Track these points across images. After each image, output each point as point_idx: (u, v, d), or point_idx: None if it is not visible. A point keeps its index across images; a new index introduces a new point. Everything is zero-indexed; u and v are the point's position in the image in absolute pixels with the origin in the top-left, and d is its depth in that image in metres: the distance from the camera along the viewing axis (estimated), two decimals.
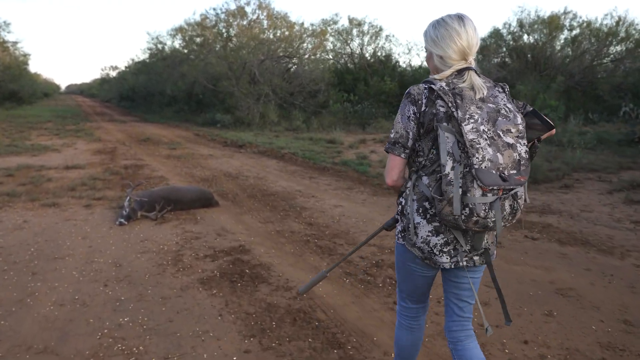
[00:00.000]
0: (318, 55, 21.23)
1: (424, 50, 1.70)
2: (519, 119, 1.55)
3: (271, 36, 20.26)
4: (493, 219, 1.49)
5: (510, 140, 1.50)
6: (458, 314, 1.78)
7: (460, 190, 1.47)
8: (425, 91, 1.57)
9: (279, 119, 17.79)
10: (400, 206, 1.72)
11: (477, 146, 1.46)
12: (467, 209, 1.47)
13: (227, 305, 2.96)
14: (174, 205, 5.10)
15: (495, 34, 20.90)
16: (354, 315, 2.86)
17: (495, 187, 1.46)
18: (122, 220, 4.61)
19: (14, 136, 12.90)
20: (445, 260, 1.63)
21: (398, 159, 1.66)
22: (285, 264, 3.71)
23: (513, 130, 1.52)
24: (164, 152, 10.59)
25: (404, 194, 1.70)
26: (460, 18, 1.61)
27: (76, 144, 11.60)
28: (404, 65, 23.42)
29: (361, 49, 23.50)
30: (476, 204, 1.46)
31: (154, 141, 12.88)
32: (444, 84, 1.55)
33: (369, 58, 22.93)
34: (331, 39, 22.46)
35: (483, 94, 1.54)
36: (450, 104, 1.49)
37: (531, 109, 1.66)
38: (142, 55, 33.28)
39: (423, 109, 1.58)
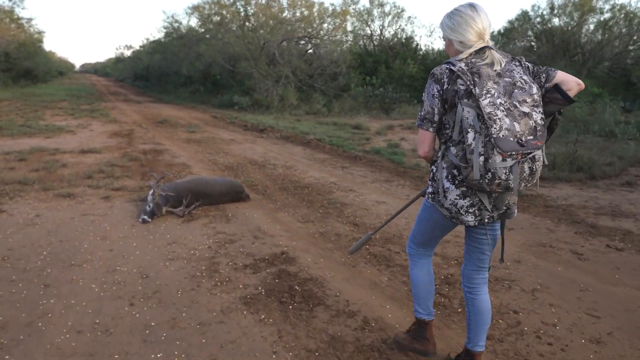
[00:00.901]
0: (338, 37, 20.38)
1: (443, 40, 1.86)
2: (534, 89, 1.69)
3: (289, 16, 19.44)
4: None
5: (526, 109, 1.65)
6: (477, 264, 2.03)
7: (482, 157, 1.63)
8: (447, 71, 1.74)
9: (298, 102, 17.11)
10: (432, 173, 1.93)
11: (495, 117, 1.61)
12: (489, 174, 1.63)
13: (281, 337, 2.41)
14: (202, 199, 4.56)
15: (523, 16, 19.92)
16: (440, 355, 2.29)
17: (513, 153, 1.61)
18: (146, 217, 4.07)
19: (28, 115, 12.45)
20: (470, 219, 1.84)
21: (427, 133, 1.86)
22: (339, 278, 3.15)
23: (528, 100, 1.67)
24: (183, 136, 10.05)
25: (435, 162, 1.90)
26: (471, 5, 1.77)
27: (91, 125, 11.11)
28: (425, 49, 22.54)
29: (381, 30, 22.62)
30: (497, 169, 1.62)
31: (172, 123, 12.35)
32: (462, 65, 1.70)
33: (389, 40, 22.04)
34: (351, 20, 21.57)
35: (501, 66, 1.71)
36: (469, 82, 1.65)
37: (554, 77, 1.76)
38: (158, 35, 32.66)
39: (445, 87, 1.75)
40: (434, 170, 1.90)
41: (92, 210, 4.44)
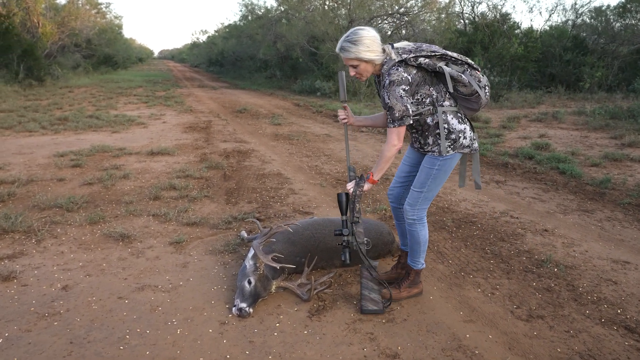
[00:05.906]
0: (429, 15, 17.82)
1: (355, 66, 2.21)
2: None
3: None
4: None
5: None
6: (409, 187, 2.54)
7: (475, 81, 2.22)
8: (400, 68, 2.14)
9: None
10: (433, 138, 2.29)
11: (460, 59, 2.22)
12: (486, 87, 2.25)
13: None
14: (334, 261, 2.68)
15: None
16: None
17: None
18: (244, 306, 2.23)
19: (101, 104, 11.38)
20: (477, 145, 2.35)
21: (403, 128, 2.21)
22: None
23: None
24: (269, 130, 8.33)
25: (428, 129, 2.28)
26: (360, 29, 2.21)
27: (165, 116, 9.72)
28: (523, 27, 19.24)
29: (473, 6, 19.67)
30: (486, 83, 2.25)
31: (252, 113, 10.73)
32: (405, 55, 2.16)
33: (485, 17, 19.01)
34: None
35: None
36: (426, 55, 2.16)
37: None
38: (233, 18, 31.57)
39: (411, 77, 2.16)
40: (441, 130, 2.24)
41: (154, 274, 2.70)
